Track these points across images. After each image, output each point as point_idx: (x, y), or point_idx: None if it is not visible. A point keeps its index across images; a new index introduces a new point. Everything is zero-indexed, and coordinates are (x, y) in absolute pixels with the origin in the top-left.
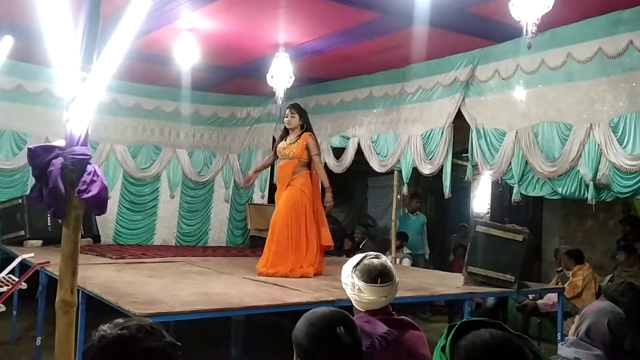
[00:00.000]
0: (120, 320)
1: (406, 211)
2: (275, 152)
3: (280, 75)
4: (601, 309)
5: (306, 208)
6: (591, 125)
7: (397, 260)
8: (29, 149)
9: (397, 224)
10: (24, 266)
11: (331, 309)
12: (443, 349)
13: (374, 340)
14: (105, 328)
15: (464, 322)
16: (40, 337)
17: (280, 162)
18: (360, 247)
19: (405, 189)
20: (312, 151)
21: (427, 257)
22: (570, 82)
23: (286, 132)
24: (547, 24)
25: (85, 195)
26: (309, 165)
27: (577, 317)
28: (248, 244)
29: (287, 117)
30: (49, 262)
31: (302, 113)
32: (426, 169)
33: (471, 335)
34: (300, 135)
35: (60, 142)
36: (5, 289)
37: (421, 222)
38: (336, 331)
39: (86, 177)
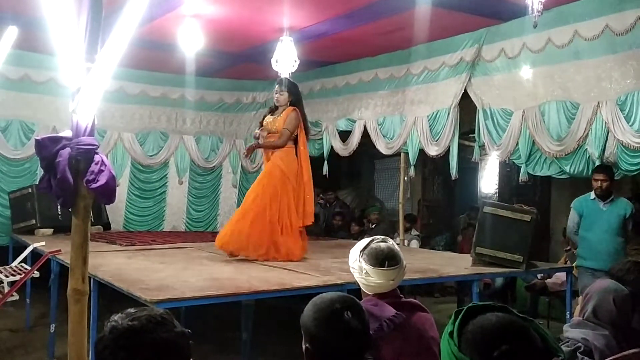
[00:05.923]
0: (132, 310)
1: (591, 197)
2: (261, 125)
3: (285, 59)
4: (605, 287)
5: (279, 186)
6: (598, 103)
7: (406, 242)
8: (36, 141)
9: (581, 213)
10: (35, 255)
11: (338, 293)
12: (451, 334)
13: (382, 323)
14: (117, 318)
15: (471, 307)
16: (54, 324)
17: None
18: (373, 226)
19: (412, 171)
20: (285, 124)
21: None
22: (577, 60)
23: (276, 107)
24: (553, 1)
25: (94, 185)
26: (295, 140)
27: (580, 298)
28: None
29: (276, 93)
30: (60, 250)
31: (291, 89)
32: (433, 151)
33: (478, 319)
34: (284, 110)
35: (67, 133)
36: (17, 277)
37: (621, 212)
38: (344, 316)
39: (94, 167)
